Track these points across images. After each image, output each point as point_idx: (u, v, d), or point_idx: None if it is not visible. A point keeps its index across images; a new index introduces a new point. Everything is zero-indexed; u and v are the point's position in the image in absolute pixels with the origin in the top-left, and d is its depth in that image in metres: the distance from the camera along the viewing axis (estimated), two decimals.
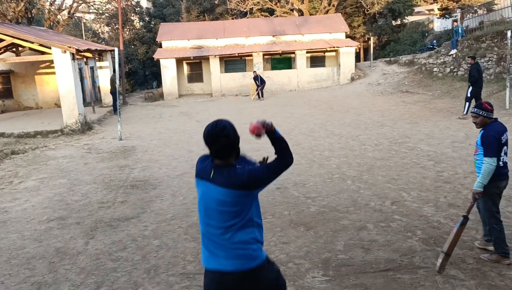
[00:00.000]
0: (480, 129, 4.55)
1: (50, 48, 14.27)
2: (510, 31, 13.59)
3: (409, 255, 4.76)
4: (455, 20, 22.04)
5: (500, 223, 4.42)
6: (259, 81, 21.93)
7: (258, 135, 2.57)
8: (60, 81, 14.35)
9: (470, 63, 13.12)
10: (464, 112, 12.57)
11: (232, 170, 2.60)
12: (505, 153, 4.43)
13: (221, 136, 2.54)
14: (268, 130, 2.61)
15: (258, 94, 22.11)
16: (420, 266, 4.50)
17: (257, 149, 8.93)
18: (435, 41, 30.06)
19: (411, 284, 4.17)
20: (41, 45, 14.57)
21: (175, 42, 26.73)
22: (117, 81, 14.18)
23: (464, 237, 5.07)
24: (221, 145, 2.55)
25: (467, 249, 4.79)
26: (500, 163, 4.35)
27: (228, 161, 2.61)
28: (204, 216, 2.68)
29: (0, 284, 4.58)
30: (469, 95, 12.67)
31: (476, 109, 4.54)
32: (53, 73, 18.99)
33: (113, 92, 18.78)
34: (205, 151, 2.69)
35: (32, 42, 14.58)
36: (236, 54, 25.40)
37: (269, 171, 2.61)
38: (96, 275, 4.70)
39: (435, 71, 20.23)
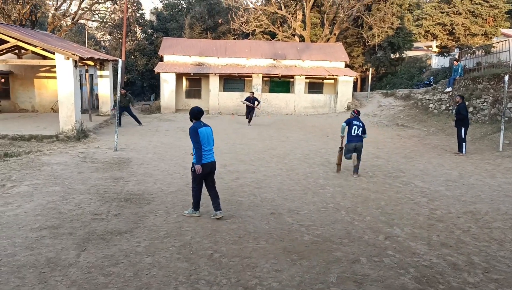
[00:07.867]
0: None
1: (53, 53, 14.31)
2: (507, 75, 13.88)
3: None
4: (456, 60, 22.48)
5: None
6: (256, 102, 20.06)
7: None
8: (60, 87, 14.34)
9: (458, 102, 13.61)
10: (463, 152, 13.09)
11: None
12: None
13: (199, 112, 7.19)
14: None
15: (248, 117, 20.03)
16: None
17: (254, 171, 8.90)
18: (432, 77, 30.60)
19: None
20: (44, 49, 14.61)
21: (176, 57, 26.92)
22: (118, 95, 14.27)
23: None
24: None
25: None
26: None
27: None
28: (208, 140, 7.13)
29: None
30: (463, 135, 13.06)
31: None
32: (52, 77, 19.05)
33: (126, 107, 18.85)
34: None
35: (36, 46, 14.60)
36: (236, 74, 25.62)
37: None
38: (87, 289, 4.65)
39: (431, 107, 20.54)
